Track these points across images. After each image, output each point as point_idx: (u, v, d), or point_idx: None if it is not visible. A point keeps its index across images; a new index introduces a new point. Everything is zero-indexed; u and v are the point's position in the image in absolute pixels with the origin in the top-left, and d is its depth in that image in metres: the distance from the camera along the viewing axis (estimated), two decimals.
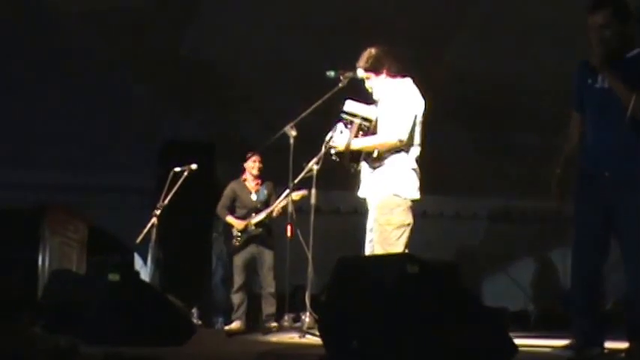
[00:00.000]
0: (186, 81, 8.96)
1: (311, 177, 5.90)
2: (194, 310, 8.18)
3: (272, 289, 7.64)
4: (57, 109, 8.93)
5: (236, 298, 7.70)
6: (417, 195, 4.96)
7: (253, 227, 7.65)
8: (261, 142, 7.09)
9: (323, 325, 4.04)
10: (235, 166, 8.07)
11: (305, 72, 7.15)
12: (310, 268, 6.08)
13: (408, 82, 5.04)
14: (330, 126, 5.21)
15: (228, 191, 7.89)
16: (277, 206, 7.50)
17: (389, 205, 4.87)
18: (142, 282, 5.61)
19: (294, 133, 5.82)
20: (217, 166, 9.23)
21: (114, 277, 4.51)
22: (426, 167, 5.07)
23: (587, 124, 4.29)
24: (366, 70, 5.08)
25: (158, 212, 6.91)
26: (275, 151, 6.30)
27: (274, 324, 7.44)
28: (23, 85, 8.71)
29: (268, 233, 7.71)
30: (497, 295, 9.63)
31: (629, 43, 4.16)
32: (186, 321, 5.14)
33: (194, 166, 7.11)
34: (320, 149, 5.36)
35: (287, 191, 6.42)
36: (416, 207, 4.99)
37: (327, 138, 5.24)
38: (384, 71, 5.06)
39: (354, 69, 5.25)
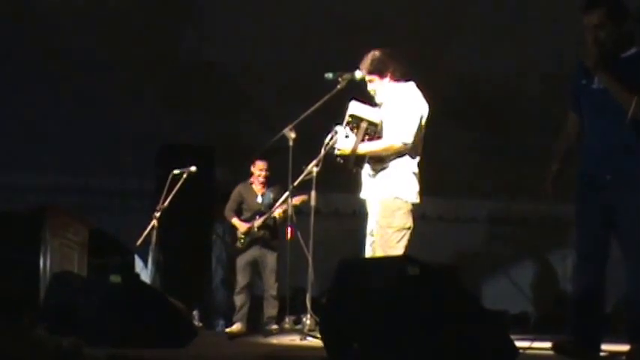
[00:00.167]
0: (185, 83, 8.96)
1: (310, 179, 5.90)
2: (195, 313, 8.19)
3: (274, 292, 7.67)
4: (57, 111, 8.92)
5: (238, 299, 7.73)
6: (417, 199, 4.97)
7: (256, 230, 7.70)
8: (261, 145, 7.09)
9: (324, 328, 4.04)
10: (234, 168, 8.09)
11: (304, 74, 7.16)
12: (310, 270, 6.08)
13: (411, 85, 5.04)
14: (329, 128, 5.23)
15: (235, 193, 7.99)
16: (277, 209, 7.53)
17: (390, 208, 4.88)
18: (144, 284, 5.62)
19: (293, 135, 5.82)
20: (217, 168, 9.24)
21: (115, 279, 4.52)
22: (425, 169, 5.08)
23: (584, 125, 4.29)
24: (370, 72, 5.08)
25: (158, 214, 6.92)
26: (274, 154, 6.31)
27: (275, 326, 7.45)
28: (23, 86, 8.70)
29: (273, 236, 7.73)
30: (497, 298, 9.61)
31: (625, 43, 4.14)
32: (187, 323, 5.13)
33: (193, 169, 7.12)
34: (319, 151, 5.38)
35: (287, 193, 6.43)
36: (415, 209, 5.00)
37: (327, 140, 5.25)
38: (388, 75, 5.06)
39: (352, 71, 5.26)
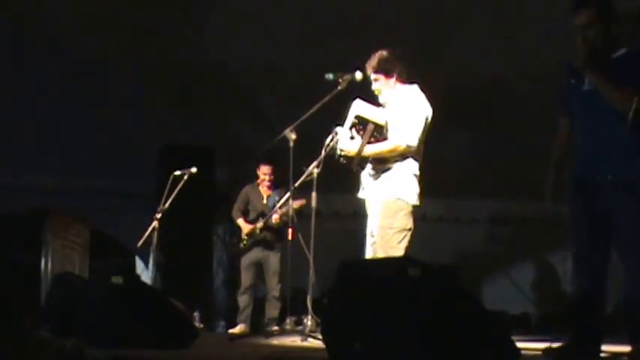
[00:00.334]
0: (186, 84, 8.96)
1: (311, 180, 5.91)
2: (196, 314, 8.20)
3: (276, 293, 7.70)
4: (58, 112, 8.92)
5: (242, 300, 7.76)
6: (417, 201, 4.98)
7: (258, 232, 7.74)
8: (261, 145, 7.10)
9: (325, 328, 4.04)
10: (235, 169, 8.10)
11: (304, 74, 7.15)
12: (311, 271, 6.08)
13: (416, 88, 5.05)
14: (330, 129, 5.23)
15: (242, 194, 8.11)
16: (274, 214, 7.56)
17: (392, 209, 4.89)
18: (145, 285, 5.62)
19: (294, 136, 5.83)
20: (217, 169, 9.24)
21: (117, 280, 4.52)
22: (425, 169, 5.08)
23: (576, 127, 4.27)
24: (377, 71, 5.08)
25: (159, 216, 6.92)
26: (276, 154, 6.31)
27: (276, 327, 7.46)
28: (24, 87, 8.70)
29: (277, 237, 7.75)
30: (497, 298, 9.61)
31: (615, 43, 4.11)
32: (188, 324, 5.14)
33: (194, 170, 7.13)
34: (320, 153, 5.38)
35: (287, 195, 6.43)
36: (416, 210, 5.01)
37: (327, 141, 5.25)
38: (395, 75, 5.06)
39: (353, 72, 5.26)
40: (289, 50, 8.45)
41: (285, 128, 5.83)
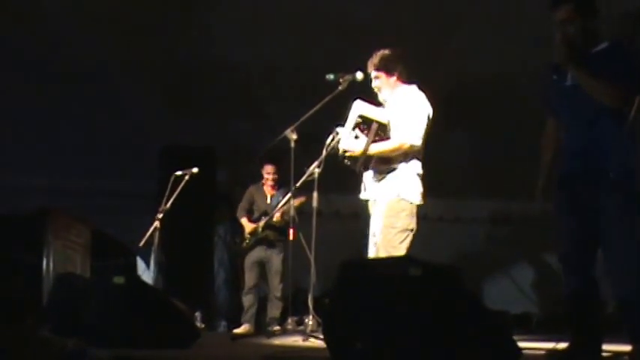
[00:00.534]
0: (186, 84, 8.96)
1: (312, 180, 5.91)
2: (197, 314, 8.21)
3: (278, 293, 7.71)
4: (58, 114, 8.93)
5: (246, 300, 7.78)
6: (421, 201, 4.99)
7: (260, 231, 7.76)
8: (262, 146, 7.10)
9: (326, 328, 4.05)
10: (235, 169, 8.10)
11: (304, 74, 7.15)
12: (313, 271, 6.09)
13: (415, 88, 5.06)
14: (330, 129, 5.23)
15: (247, 194, 8.16)
16: (276, 213, 7.57)
17: (395, 209, 4.90)
18: (146, 285, 5.61)
19: (295, 136, 5.83)
20: (218, 169, 9.24)
21: (119, 280, 4.53)
22: (425, 169, 5.09)
23: (561, 124, 4.23)
24: (378, 69, 5.09)
25: (160, 216, 6.93)
26: (277, 154, 6.31)
27: (277, 327, 7.46)
28: (23, 89, 8.70)
29: (280, 236, 7.77)
30: (498, 298, 9.62)
31: (595, 37, 4.07)
32: (190, 324, 5.15)
33: (195, 170, 7.14)
34: (321, 152, 5.39)
35: (288, 195, 6.43)
36: (417, 210, 5.01)
37: (328, 141, 5.26)
38: (396, 74, 5.07)
39: (353, 72, 5.27)
40: (289, 50, 8.44)
41: (285, 128, 5.84)
